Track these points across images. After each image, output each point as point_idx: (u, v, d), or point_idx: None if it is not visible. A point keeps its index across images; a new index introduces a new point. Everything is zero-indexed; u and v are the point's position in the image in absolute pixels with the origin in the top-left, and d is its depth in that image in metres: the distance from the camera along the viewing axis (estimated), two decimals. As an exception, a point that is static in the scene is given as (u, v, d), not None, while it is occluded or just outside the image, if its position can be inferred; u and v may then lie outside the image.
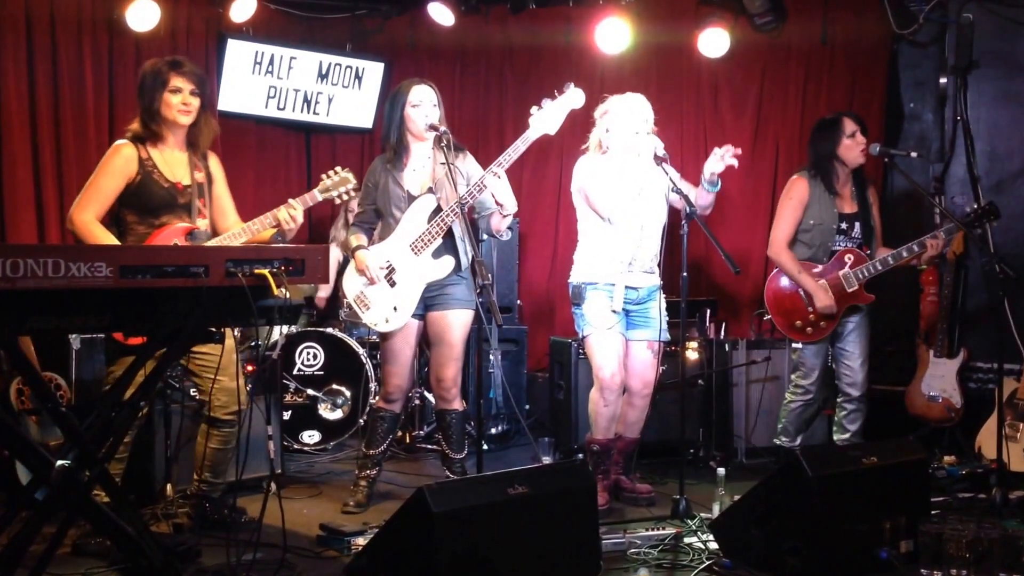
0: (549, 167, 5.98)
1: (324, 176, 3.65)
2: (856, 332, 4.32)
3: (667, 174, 3.82)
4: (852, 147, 4.24)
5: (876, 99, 5.32)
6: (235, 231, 3.45)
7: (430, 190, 3.83)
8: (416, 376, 5.07)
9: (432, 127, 3.75)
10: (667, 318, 4.02)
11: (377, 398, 4.16)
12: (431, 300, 3.87)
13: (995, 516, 3.65)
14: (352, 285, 3.89)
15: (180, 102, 3.37)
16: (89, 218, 3.26)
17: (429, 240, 3.78)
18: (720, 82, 5.66)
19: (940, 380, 4.66)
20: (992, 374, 4.60)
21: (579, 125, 5.86)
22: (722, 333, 5.01)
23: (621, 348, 3.95)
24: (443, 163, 3.73)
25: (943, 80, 5.04)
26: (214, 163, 3.58)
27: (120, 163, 3.32)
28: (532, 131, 3.77)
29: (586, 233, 4.04)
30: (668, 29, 5.58)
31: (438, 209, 3.80)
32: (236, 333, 3.59)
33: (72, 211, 3.30)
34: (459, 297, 3.87)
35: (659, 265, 4.02)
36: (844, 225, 4.29)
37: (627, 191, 3.92)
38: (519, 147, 3.74)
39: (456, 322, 3.87)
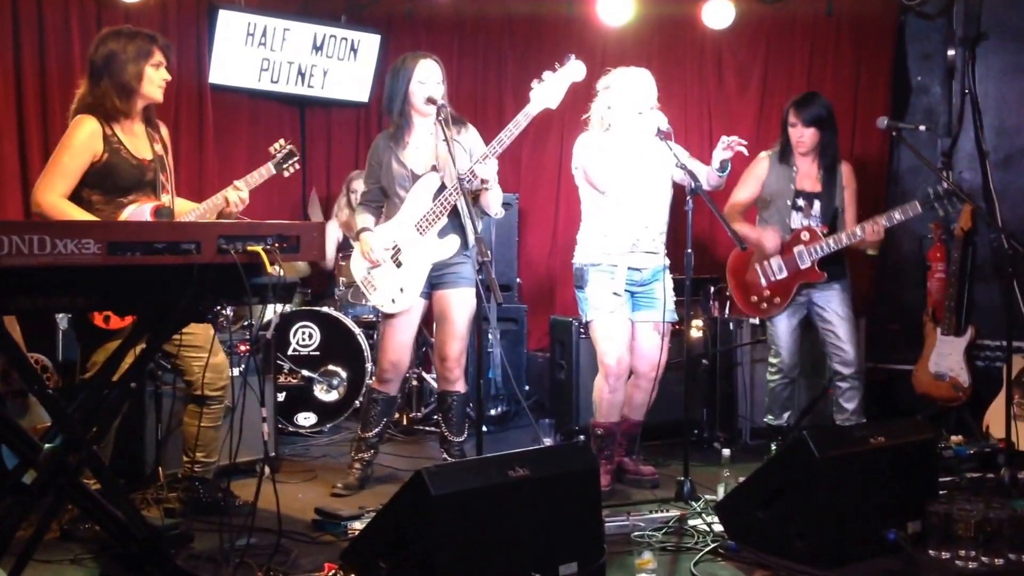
0: (549, 142, 5.90)
1: (272, 149, 3.60)
2: (834, 310, 4.30)
3: (671, 150, 3.73)
4: (793, 135, 4.32)
5: (883, 72, 5.26)
6: (188, 216, 3.36)
7: (434, 168, 3.77)
8: (415, 357, 5.01)
9: (430, 100, 3.65)
10: (673, 297, 3.96)
11: (372, 379, 4.09)
12: (436, 279, 3.83)
13: (1004, 496, 3.61)
14: (359, 268, 3.84)
15: (161, 78, 3.26)
16: (56, 197, 3.10)
17: (434, 219, 3.73)
18: (724, 54, 5.59)
19: (947, 358, 4.62)
20: (1000, 352, 4.55)
21: (581, 100, 5.75)
22: (726, 311, 4.94)
23: (627, 332, 3.88)
24: (446, 140, 3.67)
25: (951, 52, 4.98)
26: (165, 133, 3.45)
27: (85, 138, 3.15)
28: (533, 105, 3.71)
29: (588, 213, 3.97)
30: (671, 0, 5.47)
31: (442, 187, 3.74)
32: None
33: (36, 192, 3.13)
34: (465, 276, 3.84)
35: (664, 244, 3.95)
36: (801, 202, 4.30)
37: (628, 167, 3.84)
38: (521, 122, 3.69)
39: (462, 300, 3.83)
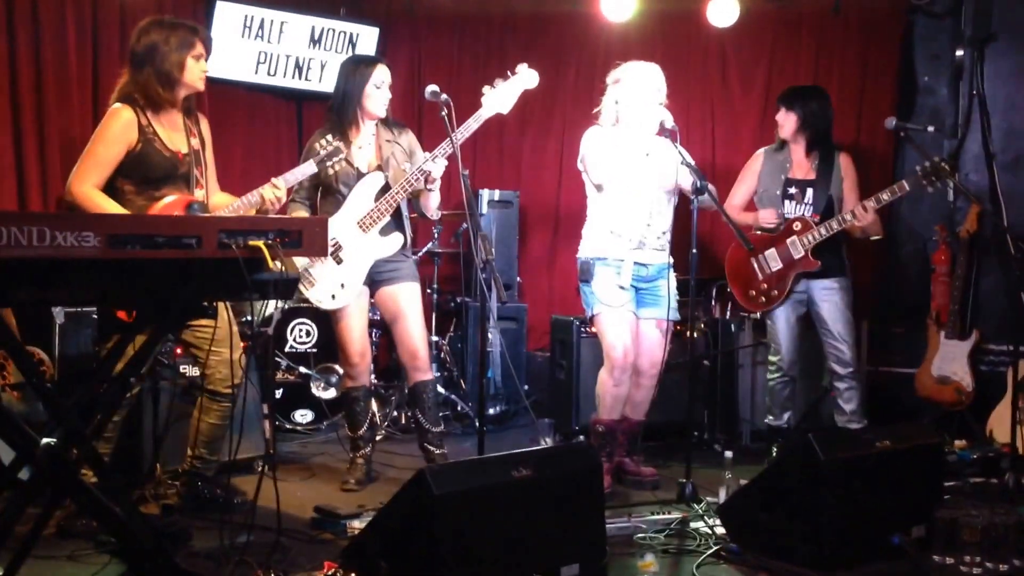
0: (550, 140, 5.86)
1: (318, 146, 3.58)
2: (831, 309, 4.28)
3: (675, 148, 3.71)
4: (777, 119, 4.39)
5: (890, 71, 5.23)
6: (223, 213, 3.33)
7: (379, 168, 3.82)
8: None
9: (434, 93, 3.64)
10: (677, 296, 3.94)
11: (343, 379, 4.07)
12: (380, 276, 3.86)
13: (1008, 502, 3.58)
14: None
15: (201, 69, 3.27)
16: (90, 188, 3.13)
17: (378, 217, 3.78)
18: (728, 52, 5.55)
19: (951, 362, 4.59)
20: (1004, 356, 4.52)
21: (582, 98, 5.71)
22: (728, 313, 4.91)
23: (632, 326, 3.86)
24: (389, 140, 3.82)
25: (959, 53, 4.93)
26: (204, 126, 3.44)
27: (120, 129, 3.17)
28: (484, 110, 3.77)
29: (594, 207, 3.94)
30: (675, -3, 5.45)
31: (386, 187, 3.78)
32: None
33: (71, 182, 3.16)
34: (407, 273, 3.90)
35: (669, 242, 3.93)
36: (793, 190, 4.32)
37: (632, 162, 3.82)
38: (471, 125, 3.73)
39: (411, 293, 3.89)
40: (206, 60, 3.29)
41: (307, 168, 3.52)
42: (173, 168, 3.25)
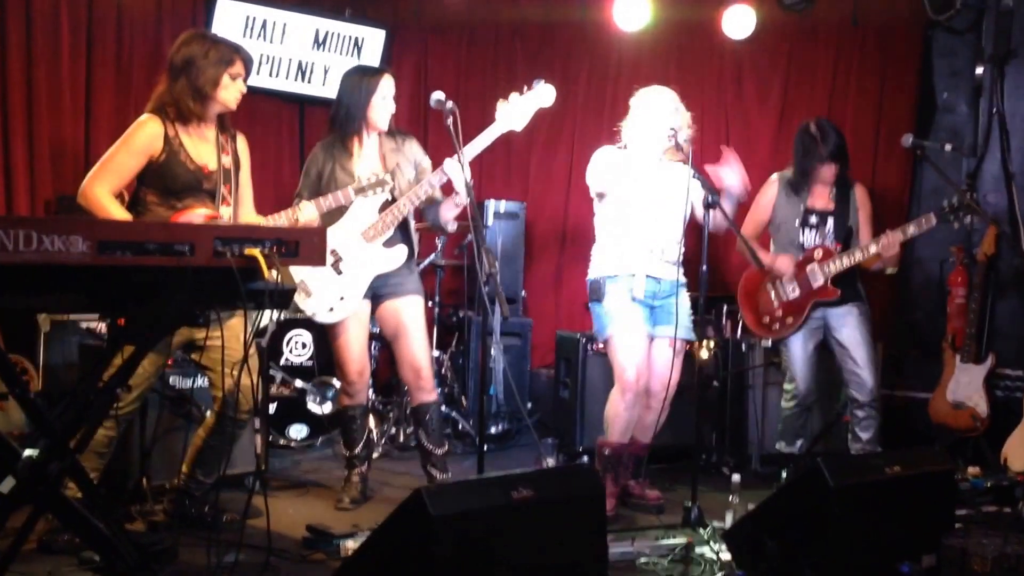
0: (559, 150, 5.78)
1: (363, 176, 3.59)
2: (851, 334, 4.21)
3: (687, 164, 3.68)
4: (823, 170, 4.26)
5: (908, 87, 5.17)
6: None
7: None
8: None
9: (440, 101, 3.56)
10: (691, 315, 3.88)
11: (340, 395, 4.00)
12: (382, 289, 3.79)
13: (1021, 531, 3.49)
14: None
15: (238, 89, 3.24)
16: (104, 192, 3.10)
17: (383, 229, 3.71)
18: (744, 64, 5.49)
19: (966, 387, 4.49)
20: (1021, 382, 4.45)
21: (592, 108, 5.64)
22: (739, 332, 4.81)
23: (645, 346, 3.79)
24: (393, 150, 3.76)
25: (979, 70, 4.86)
26: (242, 145, 3.40)
27: (144, 139, 3.15)
28: (498, 125, 3.69)
29: (603, 226, 3.89)
30: (690, 6, 5.39)
31: (390, 199, 3.71)
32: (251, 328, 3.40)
33: (86, 184, 3.13)
34: (413, 287, 3.83)
35: (680, 260, 3.86)
36: (813, 219, 4.27)
37: (640, 181, 3.77)
38: (484, 140, 3.66)
39: (415, 307, 3.81)
40: (245, 80, 3.25)
41: (345, 196, 3.52)
42: (196, 182, 3.21)
